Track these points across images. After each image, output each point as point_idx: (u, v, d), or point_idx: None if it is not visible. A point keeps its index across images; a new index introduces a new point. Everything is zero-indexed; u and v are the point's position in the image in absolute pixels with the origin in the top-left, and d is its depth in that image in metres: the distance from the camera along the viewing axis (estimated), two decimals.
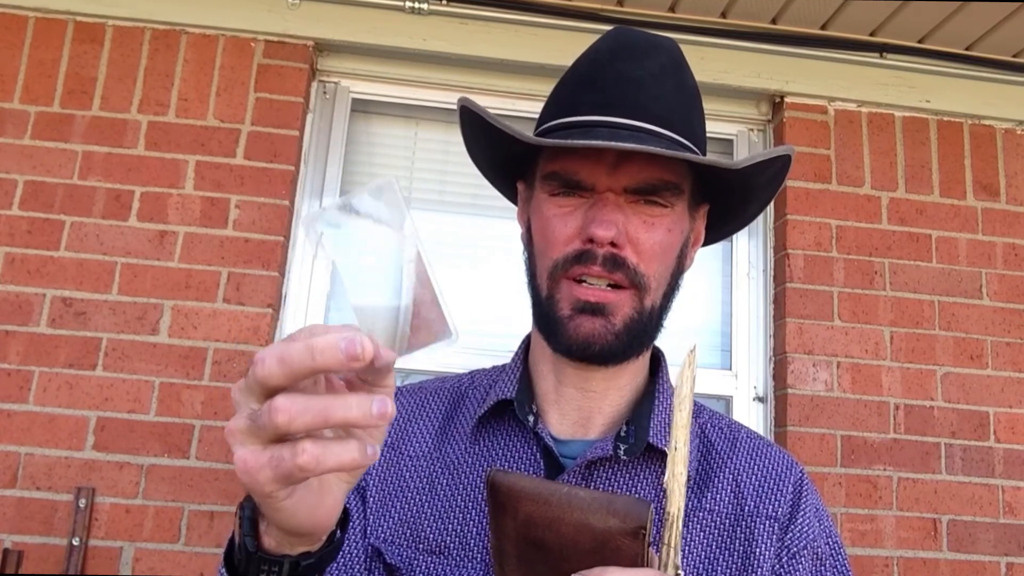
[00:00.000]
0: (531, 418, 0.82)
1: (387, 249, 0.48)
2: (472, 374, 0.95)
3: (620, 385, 0.84)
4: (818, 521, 0.82)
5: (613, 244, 0.76)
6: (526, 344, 0.91)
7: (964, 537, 1.94)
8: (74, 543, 1.69)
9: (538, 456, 0.80)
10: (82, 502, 1.71)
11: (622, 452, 0.78)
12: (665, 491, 0.50)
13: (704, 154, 0.83)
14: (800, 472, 0.85)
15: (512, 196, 0.95)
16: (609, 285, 0.77)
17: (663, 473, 0.77)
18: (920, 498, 1.95)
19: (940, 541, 1.94)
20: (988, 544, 1.95)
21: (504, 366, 0.92)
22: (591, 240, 0.76)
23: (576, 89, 0.82)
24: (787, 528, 0.80)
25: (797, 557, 0.78)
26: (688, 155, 0.76)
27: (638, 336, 0.80)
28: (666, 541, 0.49)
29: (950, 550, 1.93)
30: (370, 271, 0.48)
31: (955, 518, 1.95)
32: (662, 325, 0.84)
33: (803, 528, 0.80)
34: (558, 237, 0.79)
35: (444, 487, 0.82)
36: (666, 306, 0.83)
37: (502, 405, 0.84)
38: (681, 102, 0.81)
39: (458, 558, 0.77)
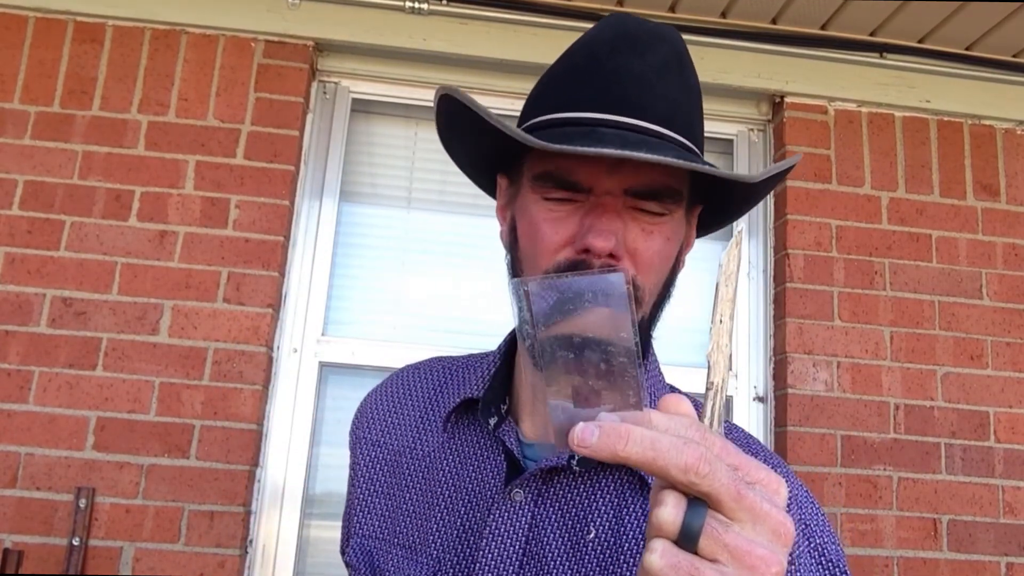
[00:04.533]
0: (492, 420, 0.79)
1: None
2: (459, 360, 0.92)
3: None
4: (806, 540, 0.71)
5: (611, 255, 0.69)
6: (510, 339, 0.86)
7: (964, 537, 1.94)
8: (74, 543, 1.69)
9: (501, 458, 0.77)
10: (82, 502, 1.71)
11: (575, 463, 0.73)
12: (709, 363, 0.48)
13: (703, 154, 0.79)
14: (783, 475, 0.73)
15: (490, 189, 0.87)
16: None
17: (627, 480, 0.73)
18: (920, 498, 1.95)
19: (940, 541, 1.93)
20: (988, 544, 1.95)
21: (485, 356, 0.88)
22: (587, 250, 0.68)
23: (572, 82, 0.75)
24: None
25: None
26: (711, 168, 0.68)
27: None
28: (707, 412, 0.48)
29: (950, 550, 1.93)
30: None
31: (955, 518, 1.95)
32: (650, 336, 0.78)
33: None
34: (548, 244, 0.71)
35: (420, 481, 0.81)
36: (656, 316, 0.77)
37: (474, 400, 0.81)
38: (685, 101, 0.75)
39: (417, 553, 0.77)
